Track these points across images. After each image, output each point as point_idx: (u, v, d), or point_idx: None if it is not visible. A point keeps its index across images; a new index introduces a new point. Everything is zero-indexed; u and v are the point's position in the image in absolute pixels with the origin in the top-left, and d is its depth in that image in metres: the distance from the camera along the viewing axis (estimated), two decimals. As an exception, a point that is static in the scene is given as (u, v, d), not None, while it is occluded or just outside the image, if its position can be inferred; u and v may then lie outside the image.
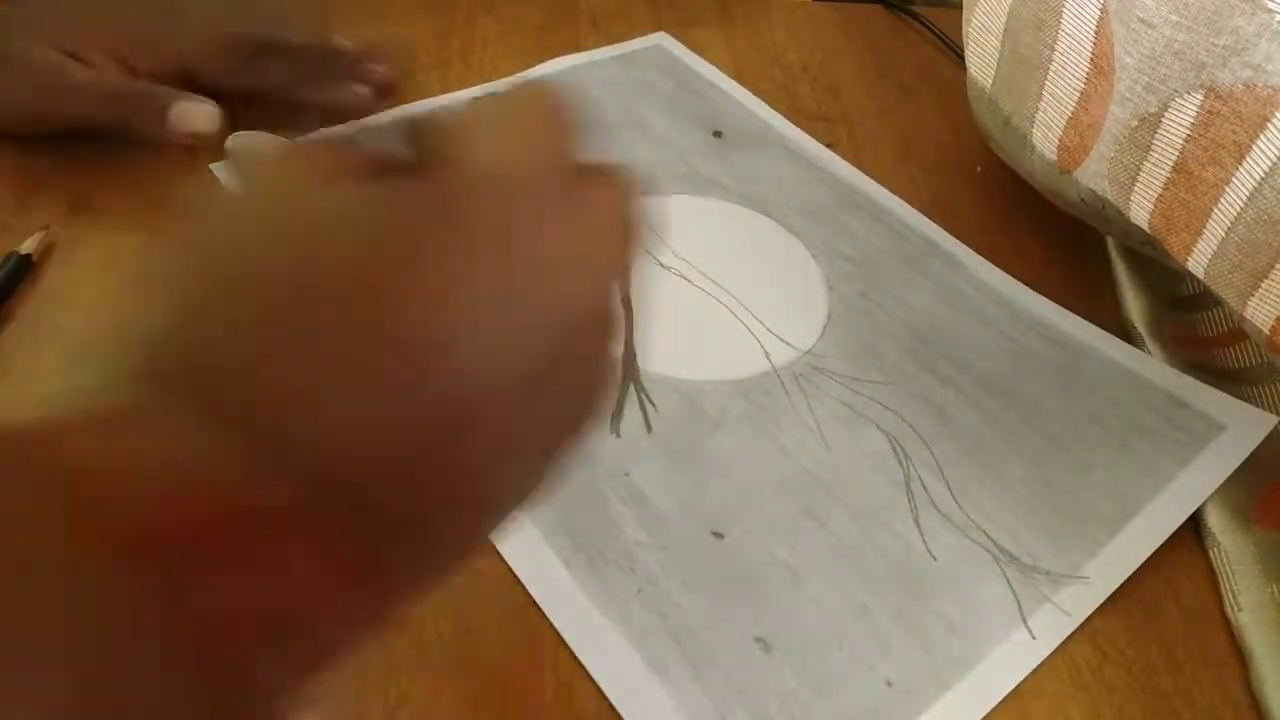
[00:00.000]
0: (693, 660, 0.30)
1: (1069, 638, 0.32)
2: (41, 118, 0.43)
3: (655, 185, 0.47)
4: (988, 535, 0.34)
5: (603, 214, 0.19)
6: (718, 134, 0.51)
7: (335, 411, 0.15)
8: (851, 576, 0.32)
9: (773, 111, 0.53)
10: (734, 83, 0.55)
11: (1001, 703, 0.30)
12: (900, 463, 0.36)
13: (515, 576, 0.31)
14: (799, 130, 0.52)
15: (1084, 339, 0.42)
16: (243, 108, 0.45)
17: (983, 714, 0.29)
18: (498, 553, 0.32)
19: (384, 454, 0.15)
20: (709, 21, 0.60)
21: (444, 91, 0.52)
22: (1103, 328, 0.42)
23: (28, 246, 0.39)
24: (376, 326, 0.15)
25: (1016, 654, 0.31)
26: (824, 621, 0.31)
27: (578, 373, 0.18)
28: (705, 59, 0.57)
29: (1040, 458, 0.37)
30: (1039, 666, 0.31)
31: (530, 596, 0.31)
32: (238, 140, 0.44)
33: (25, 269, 0.39)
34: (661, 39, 0.58)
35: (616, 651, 0.30)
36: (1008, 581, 0.33)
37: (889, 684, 0.30)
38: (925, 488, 0.35)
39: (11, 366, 0.36)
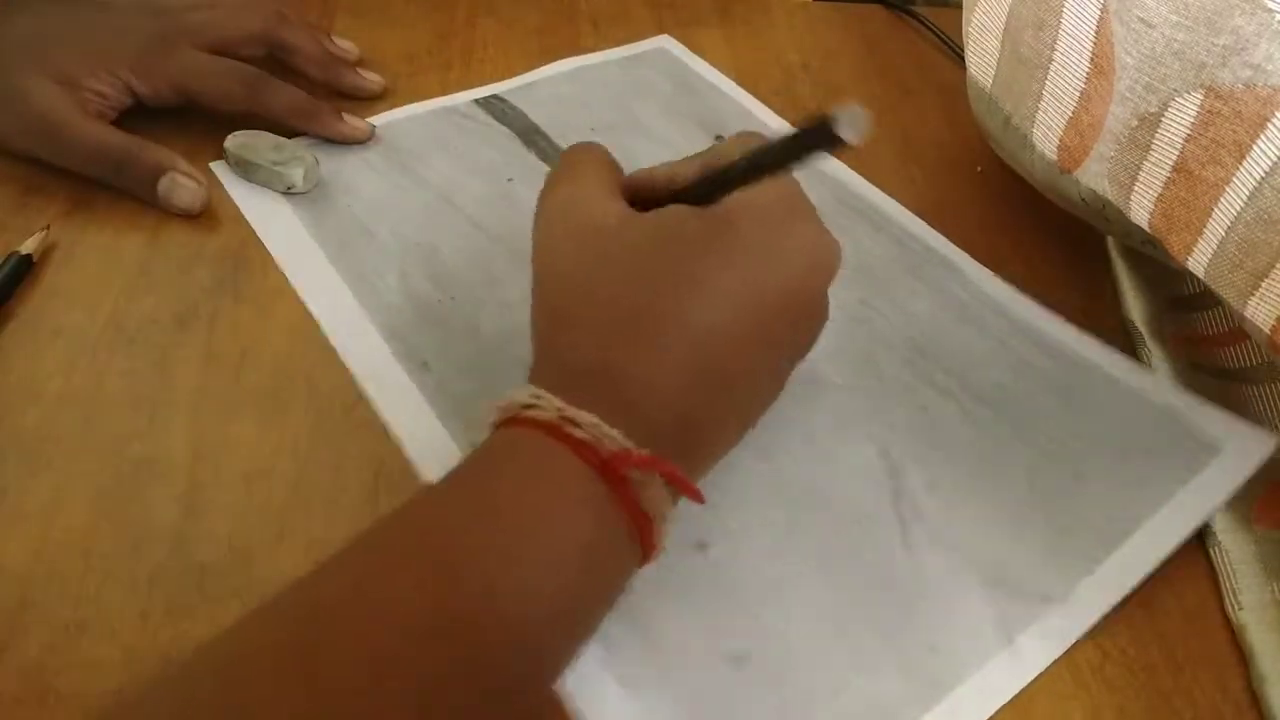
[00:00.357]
0: (665, 674, 0.29)
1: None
2: (35, 156, 0.43)
3: None
4: (977, 552, 0.33)
5: (809, 214, 0.31)
6: (719, 138, 0.51)
7: (676, 388, 0.27)
8: (834, 592, 0.32)
9: (775, 116, 0.53)
10: (736, 86, 0.55)
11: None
12: (891, 475, 0.35)
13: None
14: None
15: (1085, 354, 0.41)
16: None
17: None
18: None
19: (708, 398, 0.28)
20: (709, 22, 0.60)
21: (444, 93, 0.52)
22: (1103, 326, 0.42)
23: (28, 246, 0.39)
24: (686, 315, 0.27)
25: (1001, 676, 0.30)
26: (803, 638, 0.30)
27: (807, 308, 0.31)
28: (706, 60, 0.57)
29: (1034, 474, 0.36)
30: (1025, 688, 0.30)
31: None
32: (236, 139, 0.44)
33: (25, 269, 0.39)
34: (665, 41, 0.58)
35: (586, 662, 0.29)
36: (995, 600, 0.32)
37: (866, 703, 0.29)
38: (915, 502, 0.35)
39: (11, 366, 0.36)
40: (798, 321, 0.30)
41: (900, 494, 0.35)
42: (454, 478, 0.26)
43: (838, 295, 0.42)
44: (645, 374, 0.27)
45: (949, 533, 0.34)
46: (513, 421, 0.27)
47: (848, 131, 0.23)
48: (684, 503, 0.33)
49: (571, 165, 0.32)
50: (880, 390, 0.39)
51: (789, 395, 0.38)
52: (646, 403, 0.27)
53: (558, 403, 0.26)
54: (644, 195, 0.33)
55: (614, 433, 0.25)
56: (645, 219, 0.30)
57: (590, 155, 0.33)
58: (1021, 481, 0.36)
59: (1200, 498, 0.35)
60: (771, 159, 0.27)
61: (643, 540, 0.26)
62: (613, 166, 0.33)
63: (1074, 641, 0.31)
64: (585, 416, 0.26)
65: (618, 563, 0.26)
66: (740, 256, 0.28)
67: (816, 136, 0.24)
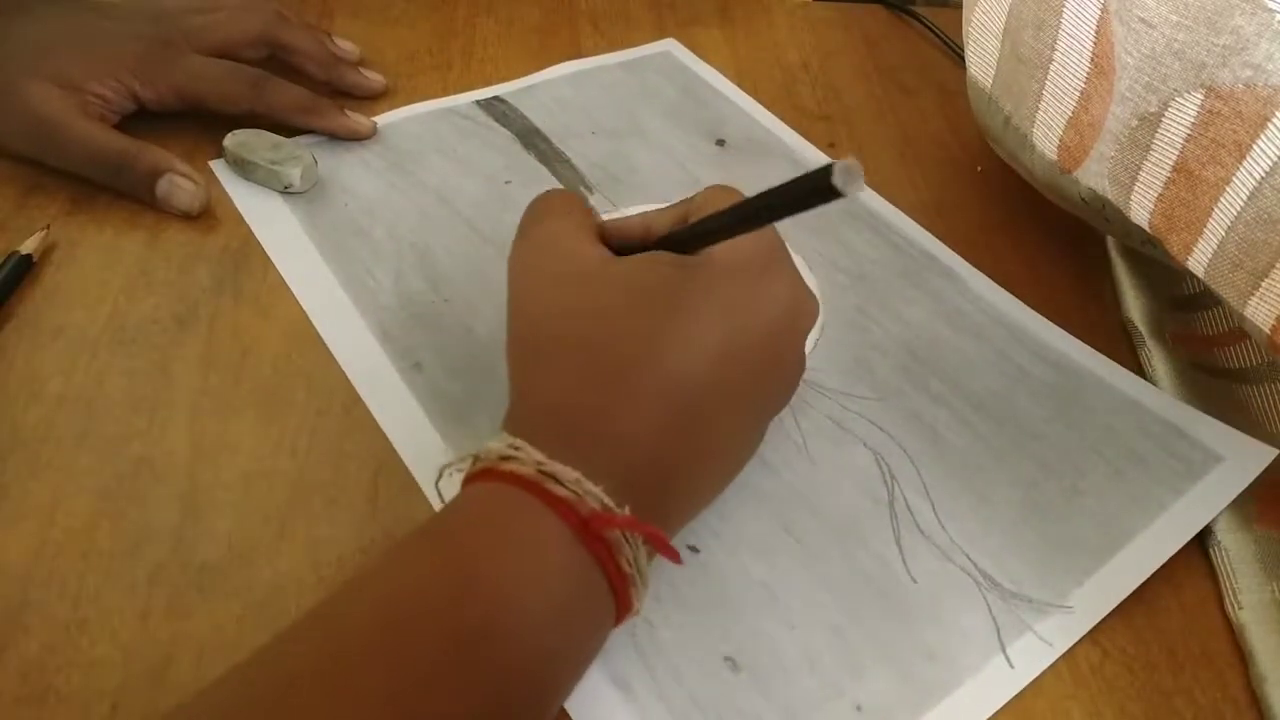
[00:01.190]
0: (658, 677, 0.29)
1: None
2: (34, 158, 0.43)
3: (654, 193, 0.47)
4: (970, 559, 0.33)
5: (788, 269, 0.30)
6: (720, 142, 0.51)
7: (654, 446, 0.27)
8: (827, 597, 0.32)
9: (777, 120, 0.53)
10: (740, 90, 0.55)
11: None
12: (885, 482, 0.35)
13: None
14: (803, 140, 0.52)
15: (1084, 362, 0.41)
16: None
17: None
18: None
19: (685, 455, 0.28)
20: (709, 22, 0.60)
21: (444, 93, 0.52)
22: (1103, 327, 0.42)
23: (28, 246, 0.39)
24: (669, 366, 0.27)
25: (993, 683, 0.30)
26: (796, 642, 0.30)
27: (782, 363, 0.30)
28: (706, 60, 0.57)
29: (1030, 482, 0.36)
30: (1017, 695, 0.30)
31: None
32: (235, 138, 0.44)
33: (25, 269, 0.39)
34: (670, 45, 0.57)
35: None
36: (988, 608, 0.32)
37: (859, 709, 0.29)
38: (909, 508, 0.35)
39: (11, 366, 0.36)
40: (772, 375, 0.30)
41: (894, 500, 0.35)
42: (428, 536, 0.25)
43: (835, 302, 0.42)
44: (625, 423, 0.26)
45: (943, 539, 0.34)
46: (489, 474, 0.26)
47: (844, 184, 0.22)
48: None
49: (548, 207, 0.32)
50: (874, 396, 0.38)
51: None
52: (626, 453, 0.26)
53: (537, 456, 0.25)
54: (618, 242, 0.32)
55: (596, 489, 0.25)
56: (625, 264, 0.29)
57: (566, 199, 0.33)
58: (1018, 491, 0.36)
59: (1196, 509, 0.35)
60: (761, 209, 0.26)
61: (618, 600, 0.26)
62: (587, 211, 0.33)
63: (1066, 650, 0.31)
64: (566, 472, 0.25)
65: (594, 623, 0.26)
66: (717, 309, 0.28)
67: (812, 187, 0.23)
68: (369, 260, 0.42)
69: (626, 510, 0.25)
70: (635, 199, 0.47)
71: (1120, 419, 0.38)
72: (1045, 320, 0.42)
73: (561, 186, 0.47)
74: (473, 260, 0.42)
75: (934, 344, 0.41)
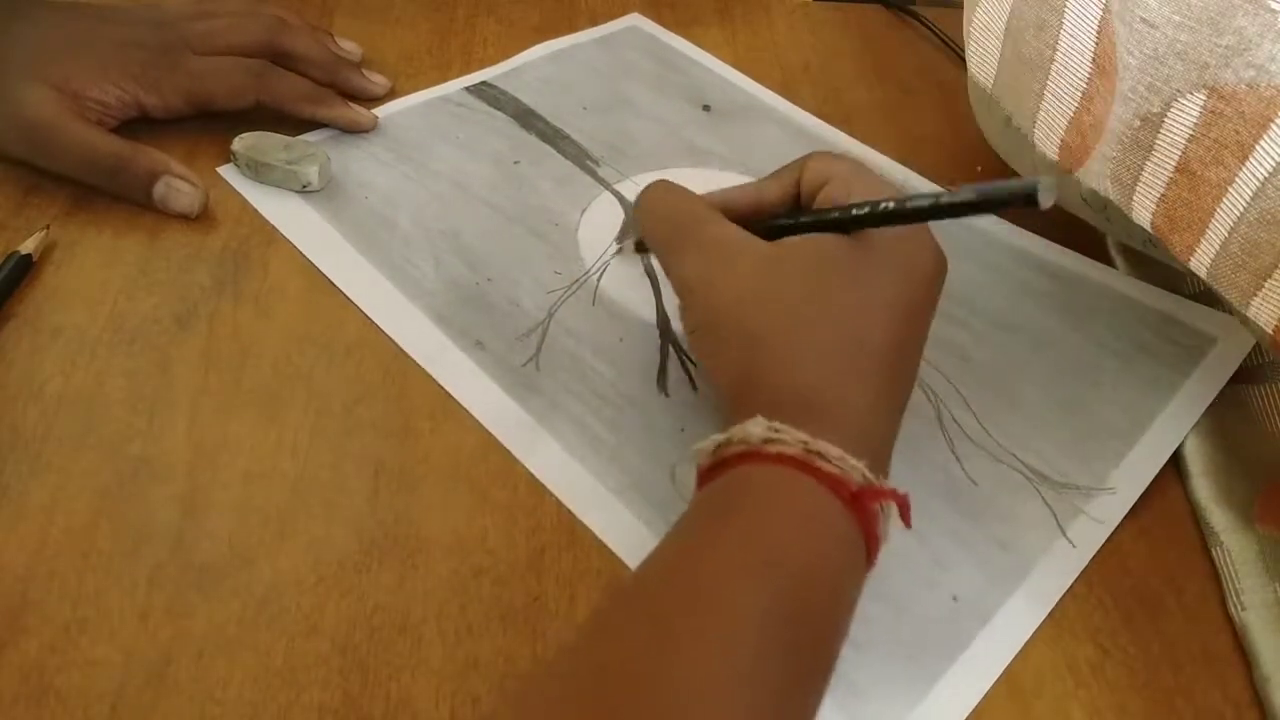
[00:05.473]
0: None
1: (1071, 631, 0.32)
2: (29, 162, 0.43)
3: (657, 161, 0.49)
4: (1018, 459, 0.37)
5: (932, 237, 0.32)
6: (706, 107, 0.52)
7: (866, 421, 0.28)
8: None
9: (755, 83, 0.55)
10: (713, 57, 0.56)
11: (1003, 699, 0.30)
12: (931, 401, 0.39)
13: (602, 541, 0.33)
14: (782, 99, 0.54)
15: (1077, 269, 0.44)
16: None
17: (1041, 618, 0.32)
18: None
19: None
20: (709, 21, 0.60)
21: (444, 91, 0.52)
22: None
23: (28, 246, 0.39)
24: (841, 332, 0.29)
25: (1061, 563, 0.34)
26: (888, 548, 0.33)
27: (929, 315, 0.31)
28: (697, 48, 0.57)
29: (1054, 383, 0.39)
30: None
31: (615, 555, 0.33)
32: (244, 141, 0.44)
33: (25, 269, 0.39)
34: (635, 20, 0.59)
35: None
36: (1043, 498, 0.35)
37: (955, 599, 0.32)
38: (956, 421, 0.38)
39: (11, 366, 0.36)
40: (924, 332, 0.32)
41: (942, 415, 0.38)
42: (719, 517, 0.26)
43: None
44: (856, 393, 0.28)
45: (991, 445, 0.37)
46: (753, 456, 0.26)
47: (1045, 199, 0.25)
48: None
49: (683, 209, 0.33)
50: None
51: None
52: (863, 422, 0.28)
53: (801, 435, 0.26)
54: (736, 218, 0.33)
55: (859, 464, 0.26)
56: (798, 250, 0.30)
57: (684, 198, 0.34)
58: (1043, 392, 0.39)
59: (1203, 385, 0.39)
60: (947, 213, 0.28)
61: (868, 562, 0.27)
62: (703, 198, 0.34)
63: (1117, 524, 0.35)
64: (831, 449, 0.26)
65: (856, 588, 0.27)
66: (892, 272, 0.30)
67: (1008, 201, 0.26)
68: (403, 250, 0.42)
69: (882, 479, 0.27)
70: (641, 169, 0.48)
71: (1120, 315, 0.42)
72: (1035, 236, 0.46)
73: (571, 164, 0.48)
74: (504, 239, 0.43)
75: None
